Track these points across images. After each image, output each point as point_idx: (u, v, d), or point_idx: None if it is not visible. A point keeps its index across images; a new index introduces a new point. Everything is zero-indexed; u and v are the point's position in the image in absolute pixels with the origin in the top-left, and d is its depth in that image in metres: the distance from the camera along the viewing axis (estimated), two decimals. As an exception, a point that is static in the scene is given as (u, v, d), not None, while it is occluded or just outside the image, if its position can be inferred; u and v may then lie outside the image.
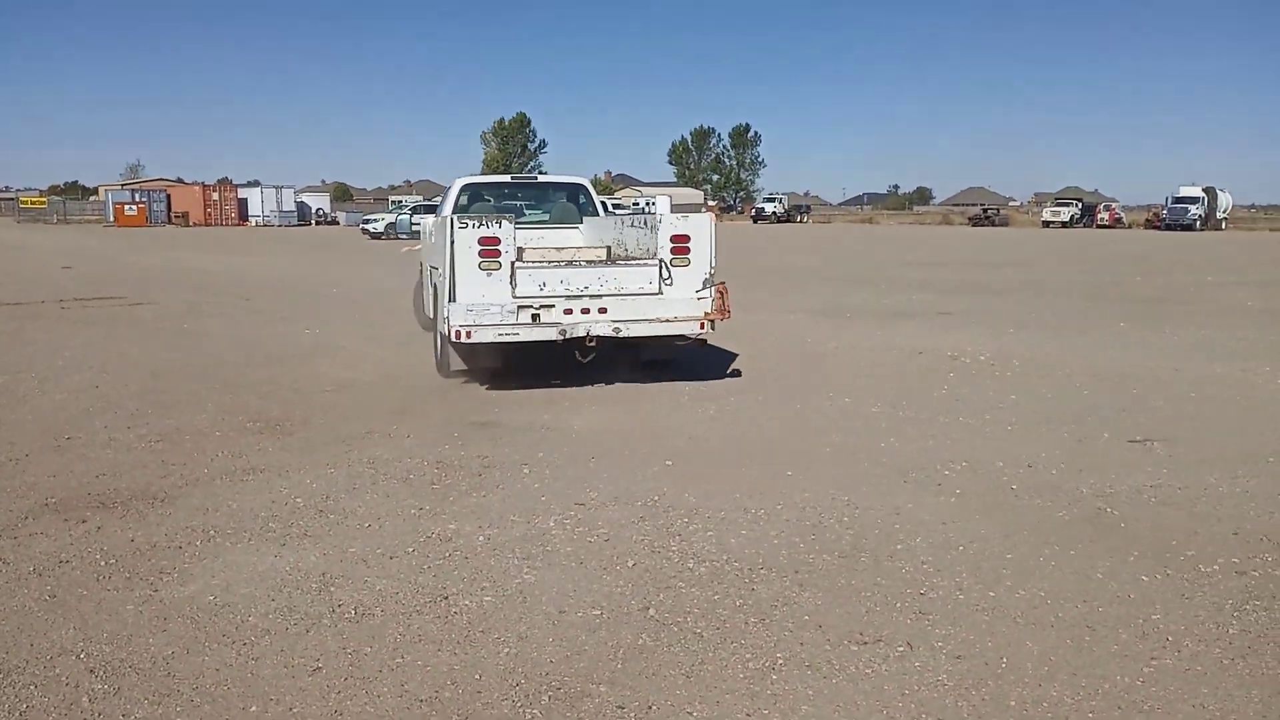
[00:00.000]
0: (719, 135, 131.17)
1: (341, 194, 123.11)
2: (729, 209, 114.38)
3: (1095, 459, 6.55)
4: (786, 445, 6.94)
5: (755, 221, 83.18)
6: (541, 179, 13.04)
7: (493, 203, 11.71)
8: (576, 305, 8.69)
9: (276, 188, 75.88)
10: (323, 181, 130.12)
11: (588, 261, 9.52)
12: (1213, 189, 67.12)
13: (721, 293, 9.00)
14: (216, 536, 4.98)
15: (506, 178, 13.11)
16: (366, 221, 53.61)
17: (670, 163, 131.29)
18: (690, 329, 8.91)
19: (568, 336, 8.71)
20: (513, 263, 8.61)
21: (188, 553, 4.76)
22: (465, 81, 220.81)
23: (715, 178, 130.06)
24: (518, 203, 11.85)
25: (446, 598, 4.23)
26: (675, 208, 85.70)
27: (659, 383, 9.18)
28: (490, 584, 4.38)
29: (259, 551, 4.78)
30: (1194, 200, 64.53)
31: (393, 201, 73.86)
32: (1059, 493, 5.79)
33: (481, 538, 4.97)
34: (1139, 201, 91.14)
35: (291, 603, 4.17)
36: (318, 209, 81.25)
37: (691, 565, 4.61)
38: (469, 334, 8.51)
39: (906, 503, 5.57)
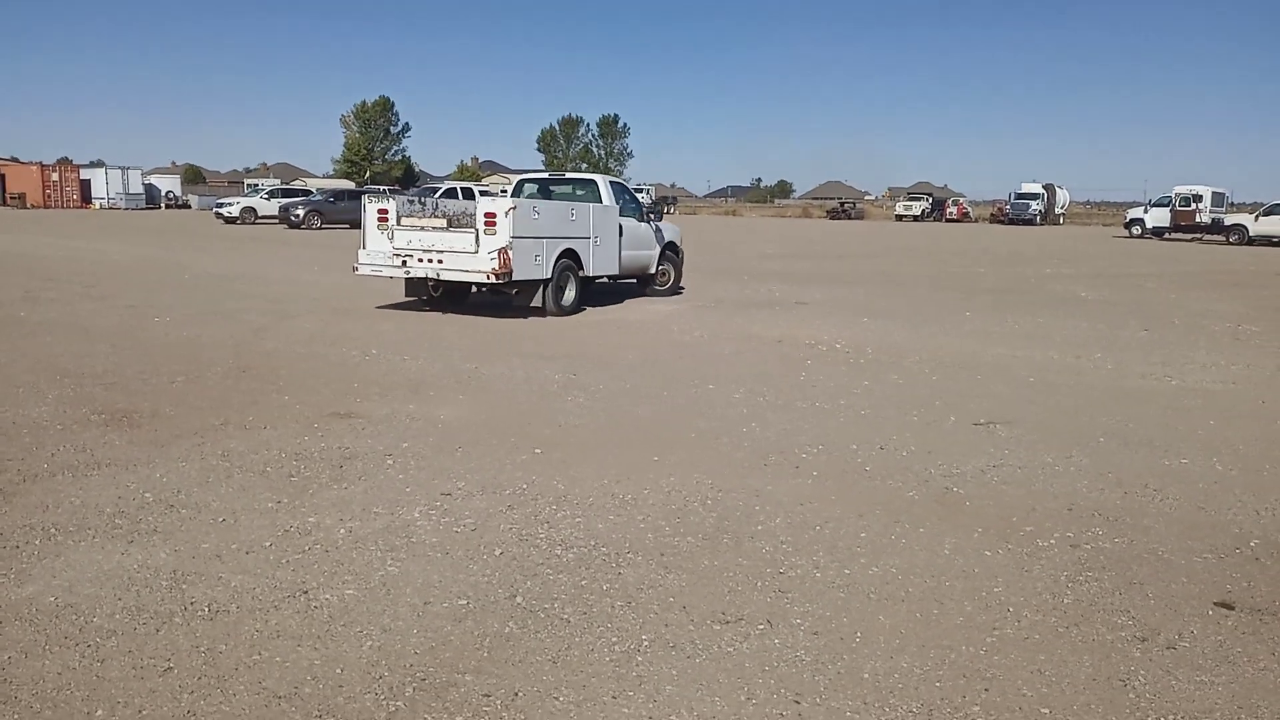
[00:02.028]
0: (588, 125, 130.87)
1: (193, 176, 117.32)
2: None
3: (942, 441, 6.89)
4: (653, 431, 7.03)
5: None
6: (569, 175, 16.94)
7: (536, 189, 16.02)
8: (426, 256, 12.86)
9: (122, 169, 71.56)
10: (173, 163, 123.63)
11: (434, 228, 13.13)
12: (1052, 186, 71.13)
13: (505, 256, 12.45)
14: (58, 534, 4.71)
15: (547, 174, 17.25)
16: (220, 205, 51.16)
17: (539, 150, 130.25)
18: (483, 278, 12.61)
19: (410, 275, 13.24)
20: (393, 226, 13.09)
21: (25, 552, 4.48)
22: (325, 62, 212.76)
23: (584, 167, 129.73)
24: (553, 189, 15.96)
25: (306, 592, 4.13)
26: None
27: (528, 371, 9.18)
28: (352, 577, 4.29)
29: (104, 549, 4.54)
30: (1035, 196, 68.26)
31: (249, 185, 70.79)
32: (909, 473, 6.07)
33: (343, 530, 4.86)
34: (985, 197, 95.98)
35: (140, 602, 3.99)
36: (168, 192, 77.11)
37: (559, 552, 4.63)
38: (356, 269, 13.51)
39: (767, 485, 5.74)
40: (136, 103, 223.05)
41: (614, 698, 3.32)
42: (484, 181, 70.61)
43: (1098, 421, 7.58)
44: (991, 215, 74.24)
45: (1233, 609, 4.16)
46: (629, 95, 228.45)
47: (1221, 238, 43.56)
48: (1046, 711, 3.30)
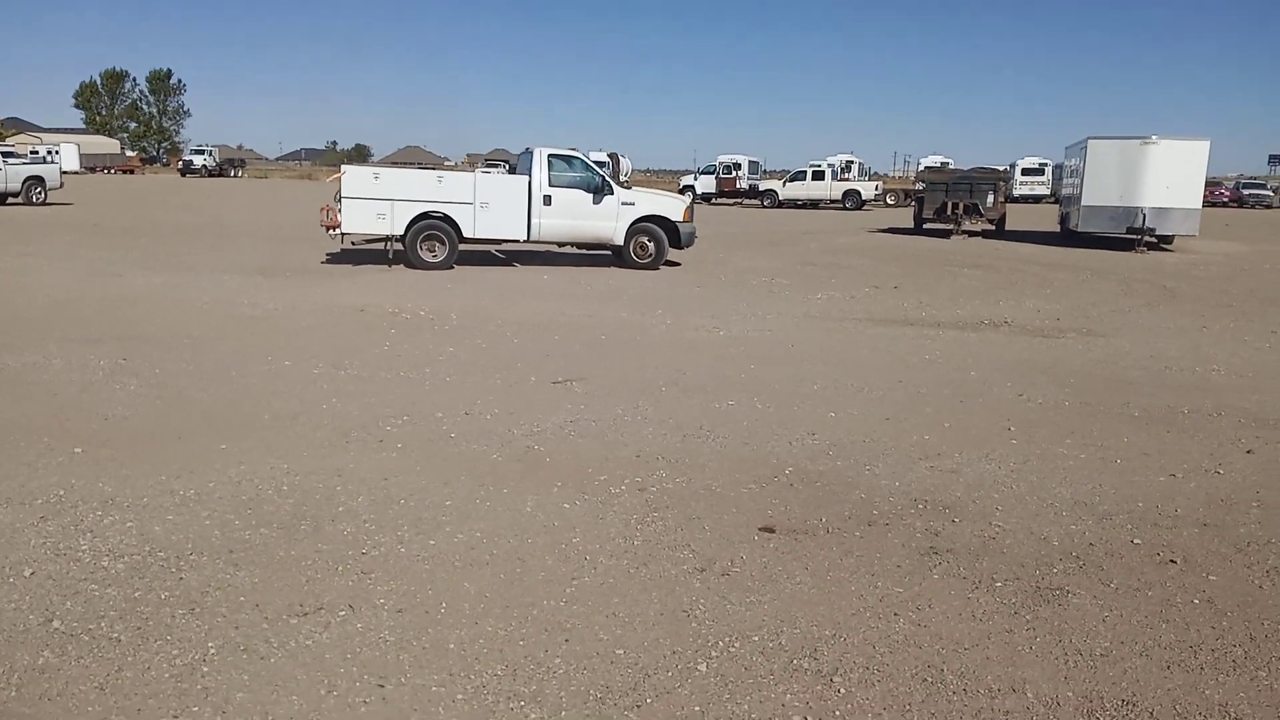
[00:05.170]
0: (135, 80, 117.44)
1: None
2: (152, 160, 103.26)
3: (524, 401, 7.09)
4: (221, 416, 6.49)
5: (183, 175, 76.17)
6: (533, 150, 16.81)
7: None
8: None
9: None
10: None
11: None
12: (616, 154, 75.72)
13: (330, 212, 15.57)
14: None
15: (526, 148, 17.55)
16: None
17: (77, 107, 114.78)
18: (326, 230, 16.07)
19: None
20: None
21: None
22: None
23: (133, 126, 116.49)
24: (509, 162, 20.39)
25: None
26: (86, 158, 75.07)
27: (67, 358, 8.03)
28: None
29: None
30: (602, 164, 72.21)
31: None
32: (493, 436, 6.17)
33: None
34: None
35: None
36: None
37: (107, 563, 4.11)
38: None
39: (349, 463, 5.53)
40: None
41: (176, 717, 3.01)
42: (9, 141, 61.12)
43: (660, 372, 8.22)
44: (566, 180, 77.64)
45: (774, 532, 4.71)
46: (184, 49, 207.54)
47: (758, 201, 49.17)
48: (621, 652, 3.51)
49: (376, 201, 15.44)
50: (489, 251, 18.30)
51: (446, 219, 15.79)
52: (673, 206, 17.27)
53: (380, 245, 16.42)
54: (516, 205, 16.19)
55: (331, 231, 15.86)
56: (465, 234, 15.94)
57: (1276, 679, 3.45)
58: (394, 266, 15.69)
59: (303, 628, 3.60)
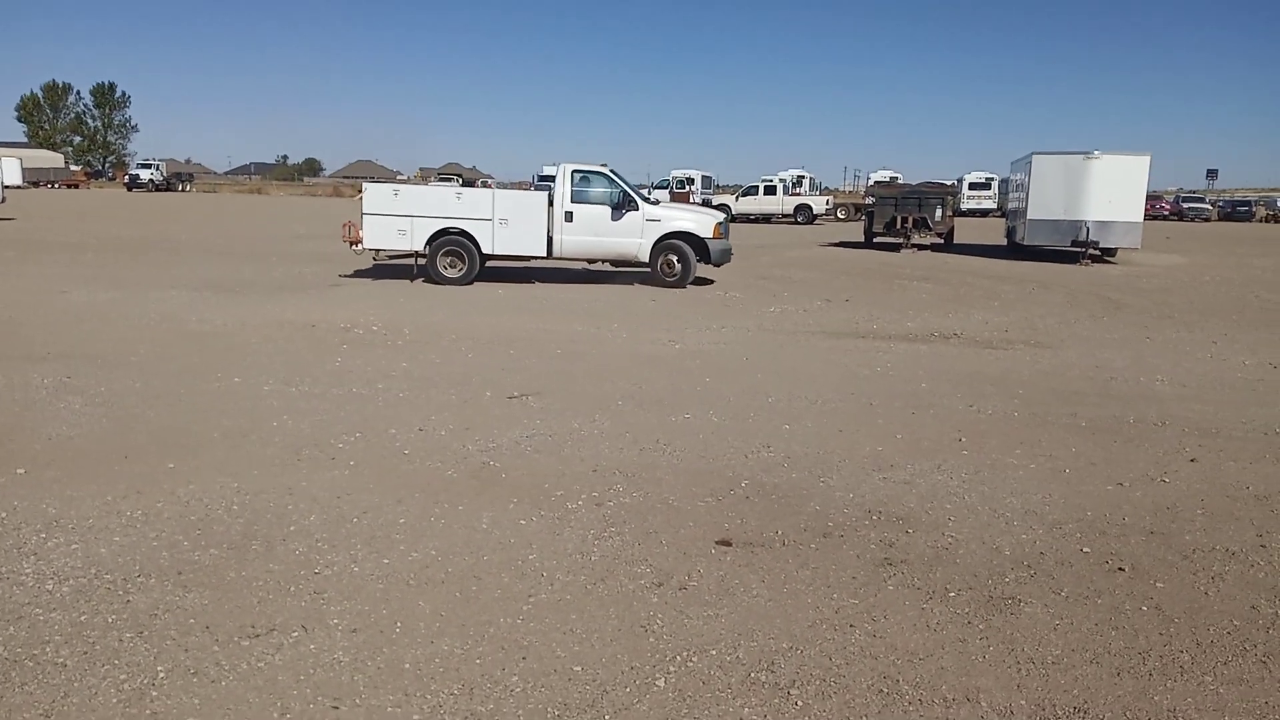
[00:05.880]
0: (79, 93, 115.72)
1: None
2: (98, 175, 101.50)
3: (479, 417, 7.04)
4: (169, 435, 6.36)
5: (130, 190, 74.87)
6: (573, 167, 16.83)
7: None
8: None
9: None
10: None
11: None
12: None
13: (351, 227, 16.10)
14: None
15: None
16: None
17: (19, 120, 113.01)
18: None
19: None
20: None
21: None
22: None
23: (78, 140, 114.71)
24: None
25: None
26: (29, 172, 73.53)
27: (8, 376, 7.84)
28: None
29: None
30: (551, 179, 72.49)
31: None
32: (448, 452, 6.12)
33: None
34: (511, 178, 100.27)
35: None
36: None
37: (51, 586, 4.01)
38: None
39: (300, 481, 5.46)
40: None
41: (123, 744, 2.94)
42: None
43: (617, 386, 8.22)
44: (520, 195, 77.45)
45: (731, 545, 4.72)
46: (129, 61, 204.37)
47: (712, 216, 49.54)
48: (579, 669, 3.49)
49: (397, 218, 15.77)
50: (512, 268, 18.25)
51: (466, 235, 15.92)
52: (702, 223, 16.66)
53: (403, 262, 16.98)
54: (536, 222, 16.15)
55: (355, 247, 16.22)
56: (485, 250, 16.02)
57: (1223, 684, 3.53)
58: (415, 281, 16.06)
59: (255, 649, 3.53)
